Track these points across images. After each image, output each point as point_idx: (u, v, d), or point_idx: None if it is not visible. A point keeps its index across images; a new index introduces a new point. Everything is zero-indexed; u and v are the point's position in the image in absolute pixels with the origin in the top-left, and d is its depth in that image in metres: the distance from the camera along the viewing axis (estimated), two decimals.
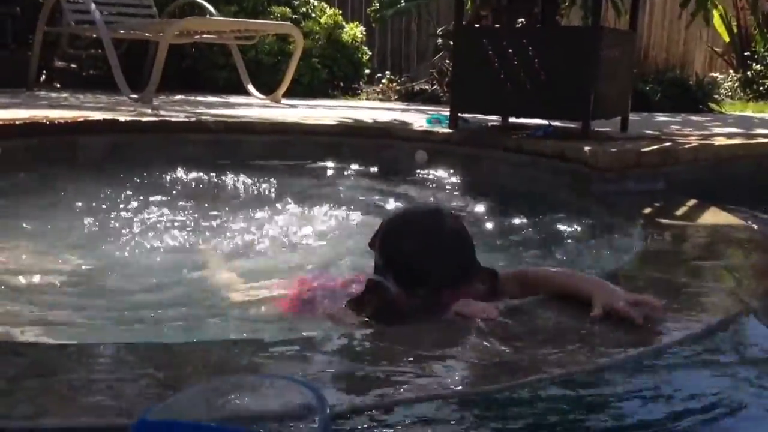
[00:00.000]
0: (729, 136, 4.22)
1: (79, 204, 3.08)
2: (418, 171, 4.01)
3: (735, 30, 10.26)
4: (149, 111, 4.34)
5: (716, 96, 7.60)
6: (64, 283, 2.21)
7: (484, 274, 1.75)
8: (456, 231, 1.75)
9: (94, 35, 6.08)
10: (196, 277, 2.31)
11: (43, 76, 7.38)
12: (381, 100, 7.75)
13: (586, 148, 3.38)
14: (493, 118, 4.65)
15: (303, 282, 2.08)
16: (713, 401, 1.28)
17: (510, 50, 3.98)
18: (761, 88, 9.01)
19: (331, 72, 7.79)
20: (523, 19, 6.36)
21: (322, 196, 3.65)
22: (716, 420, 1.24)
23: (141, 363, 1.25)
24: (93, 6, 5.65)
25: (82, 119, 3.80)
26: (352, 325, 1.66)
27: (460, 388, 1.22)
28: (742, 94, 9.18)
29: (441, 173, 3.95)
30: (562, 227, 3.09)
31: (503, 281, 1.78)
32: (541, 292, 1.73)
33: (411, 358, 1.30)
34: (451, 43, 6.33)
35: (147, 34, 6.09)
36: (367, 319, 1.67)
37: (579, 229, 3.06)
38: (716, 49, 11.19)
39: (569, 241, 2.90)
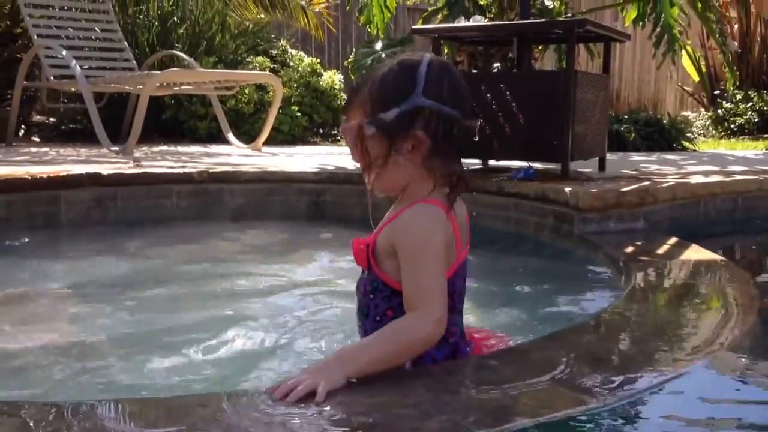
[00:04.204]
0: (706, 174, 4.30)
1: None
2: None
3: (704, 69, 10.53)
4: (131, 163, 4.34)
5: (689, 134, 7.76)
6: (57, 343, 2.19)
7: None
8: (406, 60, 1.54)
9: (73, 89, 6.11)
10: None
11: (22, 131, 7.37)
12: None
13: (567, 189, 3.43)
14: (474, 162, 4.71)
15: None
16: None
17: (488, 95, 4.06)
18: (732, 126, 9.22)
19: (311, 119, 7.87)
20: (498, 64, 6.50)
21: (307, 245, 3.67)
22: None
23: (138, 418, 1.24)
24: (73, 61, 5.68)
25: (65, 173, 3.79)
26: None
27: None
28: (714, 131, 9.38)
29: None
30: (547, 268, 3.12)
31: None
32: None
33: (405, 407, 1.30)
34: None
35: (127, 87, 6.13)
36: None
37: (564, 269, 3.10)
38: (686, 89, 11.46)
39: (555, 281, 2.93)
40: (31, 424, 1.21)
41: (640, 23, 5.63)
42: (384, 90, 1.51)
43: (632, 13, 5.71)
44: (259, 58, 7.89)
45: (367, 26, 5.92)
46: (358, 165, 1.58)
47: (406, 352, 1.47)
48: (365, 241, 1.60)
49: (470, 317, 2.12)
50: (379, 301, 1.58)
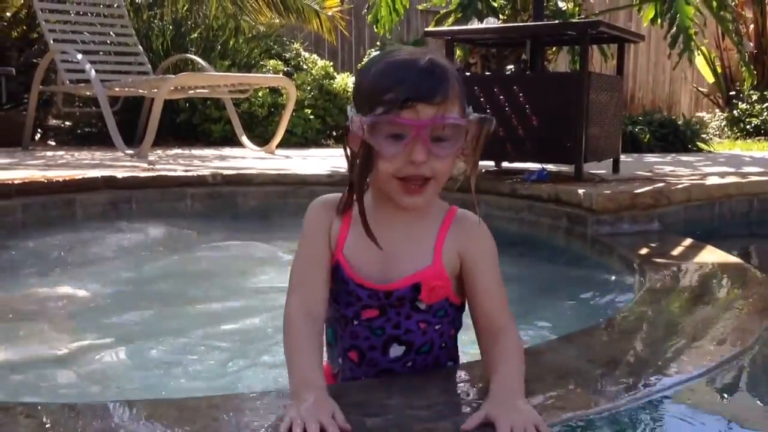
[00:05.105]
0: (721, 175, 4.27)
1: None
2: None
3: (719, 70, 10.47)
4: (146, 166, 4.37)
5: (704, 135, 7.71)
6: (68, 344, 2.20)
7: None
8: (430, 61, 1.35)
9: (89, 93, 6.16)
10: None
11: (38, 134, 7.44)
12: None
13: (581, 191, 3.42)
14: (487, 164, 4.70)
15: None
16: None
17: (501, 97, 4.05)
18: (748, 127, 9.16)
19: (324, 122, 7.89)
20: (511, 66, 6.49)
21: None
22: None
23: (152, 419, 1.25)
24: (88, 65, 5.73)
25: (80, 177, 3.83)
26: None
27: None
28: (729, 132, 9.32)
29: None
30: (560, 269, 3.11)
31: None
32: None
33: (419, 408, 1.30)
34: None
35: (142, 91, 6.17)
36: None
37: (577, 270, 3.09)
38: (701, 90, 11.39)
39: (569, 283, 2.92)
40: (48, 424, 1.22)
41: (658, 22, 5.60)
42: (462, 85, 1.41)
43: (650, 12, 5.68)
44: (273, 62, 7.93)
45: (374, 26, 5.94)
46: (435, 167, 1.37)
47: None
48: (436, 274, 1.40)
49: None
50: (445, 327, 1.48)
